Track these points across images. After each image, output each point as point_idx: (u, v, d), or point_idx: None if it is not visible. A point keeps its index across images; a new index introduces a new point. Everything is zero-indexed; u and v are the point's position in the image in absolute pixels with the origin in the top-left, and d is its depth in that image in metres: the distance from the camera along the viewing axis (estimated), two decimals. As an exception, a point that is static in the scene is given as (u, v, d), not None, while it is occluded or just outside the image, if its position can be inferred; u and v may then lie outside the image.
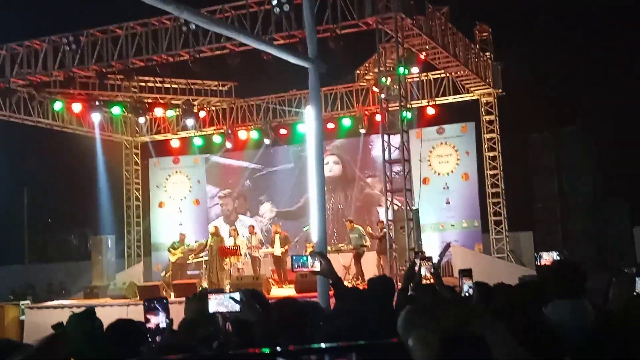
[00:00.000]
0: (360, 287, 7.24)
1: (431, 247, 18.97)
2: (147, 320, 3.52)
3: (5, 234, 29.13)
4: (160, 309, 3.61)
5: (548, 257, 5.43)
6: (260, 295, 4.04)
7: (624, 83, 21.42)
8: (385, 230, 16.22)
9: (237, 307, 3.51)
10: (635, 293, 4.22)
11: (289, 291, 16.40)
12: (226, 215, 22.92)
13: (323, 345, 1.58)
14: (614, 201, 17.88)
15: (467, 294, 4.78)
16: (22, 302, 18.78)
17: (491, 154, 20.38)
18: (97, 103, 20.40)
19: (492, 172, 20.33)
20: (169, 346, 3.24)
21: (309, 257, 4.54)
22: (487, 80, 19.72)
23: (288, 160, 22.27)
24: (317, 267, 4.49)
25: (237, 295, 3.53)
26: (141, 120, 22.67)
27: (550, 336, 2.55)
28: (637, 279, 4.22)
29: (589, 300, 4.38)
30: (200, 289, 15.81)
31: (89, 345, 3.98)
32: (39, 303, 18.88)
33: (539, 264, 5.51)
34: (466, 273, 4.90)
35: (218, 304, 3.54)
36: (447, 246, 14.92)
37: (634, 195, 18.54)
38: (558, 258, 5.39)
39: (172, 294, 16.45)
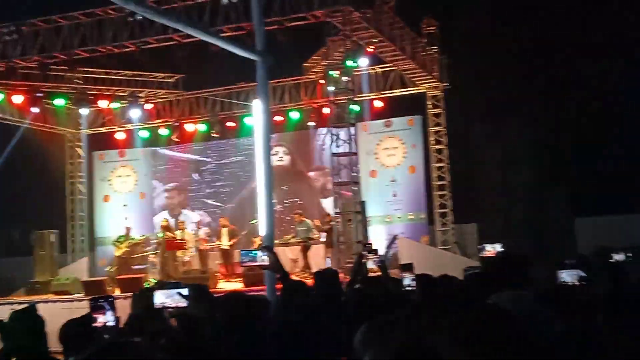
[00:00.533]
0: (308, 280, 7.25)
1: (378, 239, 19.14)
2: (94, 320, 3.44)
3: (-56, 229, 28.27)
4: (106, 307, 3.54)
5: (491, 249, 5.54)
6: (207, 290, 4.01)
7: (566, 76, 21.89)
8: (332, 223, 16.28)
9: (183, 302, 3.48)
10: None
11: (236, 285, 16.35)
12: (171, 209, 22.69)
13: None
14: (555, 192, 18.32)
15: (408, 288, 4.84)
16: (-39, 299, 18.29)
17: (437, 147, 20.62)
18: (39, 94, 19.92)
19: (438, 165, 20.58)
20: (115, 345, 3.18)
21: (257, 251, 4.54)
22: (434, 74, 19.94)
23: (235, 154, 22.13)
24: (266, 261, 4.49)
25: (184, 291, 3.50)
26: (85, 112, 22.23)
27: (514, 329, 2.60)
28: (558, 271, 4.36)
29: (531, 290, 4.48)
30: (146, 284, 15.65)
31: (31, 342, 3.91)
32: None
33: (482, 255, 5.62)
34: (407, 267, 4.96)
35: (166, 296, 3.51)
36: (394, 238, 15.15)
37: (575, 187, 19.01)
38: (501, 250, 5.51)
39: (117, 289, 16.23)
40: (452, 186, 20.48)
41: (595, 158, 21.45)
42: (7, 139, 23.05)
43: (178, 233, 18.58)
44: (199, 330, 3.45)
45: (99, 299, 3.58)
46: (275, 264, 4.55)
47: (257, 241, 16.68)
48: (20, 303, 15.78)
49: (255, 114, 8.41)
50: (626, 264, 5.28)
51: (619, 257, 5.34)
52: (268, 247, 4.64)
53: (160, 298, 3.54)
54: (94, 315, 3.54)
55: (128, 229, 19.55)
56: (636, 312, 3.13)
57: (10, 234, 31.22)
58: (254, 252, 4.61)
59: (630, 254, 5.26)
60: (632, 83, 21.03)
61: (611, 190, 20.36)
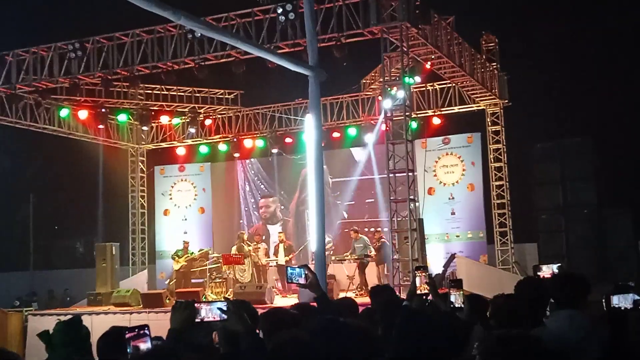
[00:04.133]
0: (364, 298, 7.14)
1: (436, 257, 18.90)
2: (137, 348, 3.36)
3: (11, 241, 29.20)
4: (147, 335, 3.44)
5: (548, 270, 5.38)
6: (249, 305, 3.98)
7: (629, 94, 21.27)
8: (383, 240, 16.12)
9: (222, 317, 3.44)
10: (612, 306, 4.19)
11: (292, 301, 16.32)
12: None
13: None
14: (618, 212, 17.77)
15: (455, 305, 4.72)
16: (25, 309, 18.78)
17: (497, 164, 20.26)
18: (103, 110, 20.40)
19: (497, 183, 20.22)
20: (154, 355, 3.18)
21: (298, 269, 4.47)
22: (493, 91, 19.63)
23: (292, 169, 22.17)
24: (303, 280, 4.43)
25: (224, 306, 3.46)
26: (147, 127, 22.71)
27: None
28: (611, 296, 4.19)
29: (590, 311, 4.37)
30: (203, 297, 15.71)
31: (74, 352, 3.93)
32: (43, 310, 18.88)
33: (538, 275, 5.45)
34: (456, 284, 4.82)
35: (206, 312, 3.48)
36: (452, 257, 14.87)
37: (638, 207, 18.41)
38: (557, 271, 5.34)
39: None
40: (511, 205, 20.08)
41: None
42: (72, 153, 23.74)
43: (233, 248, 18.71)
44: (238, 344, 3.41)
45: (134, 328, 3.43)
46: (313, 284, 4.46)
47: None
48: (82, 314, 16.09)
49: (307, 129, 8.40)
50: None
51: (680, 279, 5.11)
52: (306, 266, 4.56)
53: (200, 312, 3.51)
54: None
55: (186, 243, 19.77)
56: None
57: (74, 246, 32.05)
58: (295, 269, 4.54)
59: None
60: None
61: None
